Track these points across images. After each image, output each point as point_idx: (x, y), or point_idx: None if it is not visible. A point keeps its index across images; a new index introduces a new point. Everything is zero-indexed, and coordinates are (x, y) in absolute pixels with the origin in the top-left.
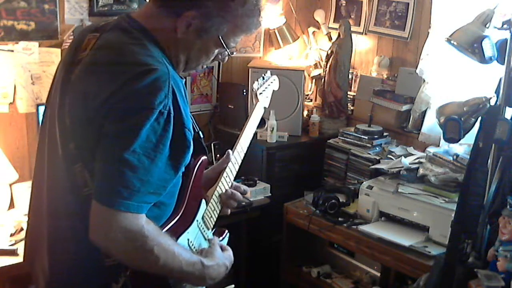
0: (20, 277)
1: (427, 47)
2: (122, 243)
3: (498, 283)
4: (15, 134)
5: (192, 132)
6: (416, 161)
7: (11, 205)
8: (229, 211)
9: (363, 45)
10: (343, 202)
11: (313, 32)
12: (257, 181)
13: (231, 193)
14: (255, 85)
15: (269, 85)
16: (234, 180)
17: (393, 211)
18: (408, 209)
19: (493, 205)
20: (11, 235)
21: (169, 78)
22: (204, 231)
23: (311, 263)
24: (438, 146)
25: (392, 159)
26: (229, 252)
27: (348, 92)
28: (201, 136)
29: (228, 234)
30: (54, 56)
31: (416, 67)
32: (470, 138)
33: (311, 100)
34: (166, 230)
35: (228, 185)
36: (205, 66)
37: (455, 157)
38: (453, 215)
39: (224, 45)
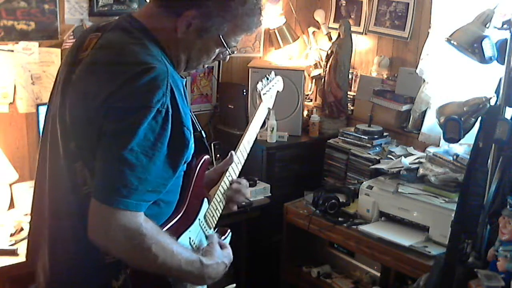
0: (20, 277)
1: (427, 47)
2: (121, 241)
3: (498, 283)
4: (15, 134)
5: (192, 131)
6: (416, 161)
7: (11, 205)
8: (235, 207)
9: (363, 45)
10: (343, 202)
11: (313, 32)
12: (257, 181)
13: (238, 185)
14: (259, 86)
15: (273, 85)
16: None
17: (393, 211)
18: (408, 209)
19: (493, 205)
20: (11, 235)
21: (167, 77)
22: (206, 230)
23: (311, 263)
24: (438, 146)
25: (392, 159)
26: (228, 250)
27: (348, 92)
28: (204, 135)
29: (230, 233)
30: (54, 56)
31: (416, 67)
32: (470, 138)
33: (311, 100)
34: (168, 229)
35: None
36: (205, 66)
37: (455, 157)
38: (453, 215)
39: (225, 45)
